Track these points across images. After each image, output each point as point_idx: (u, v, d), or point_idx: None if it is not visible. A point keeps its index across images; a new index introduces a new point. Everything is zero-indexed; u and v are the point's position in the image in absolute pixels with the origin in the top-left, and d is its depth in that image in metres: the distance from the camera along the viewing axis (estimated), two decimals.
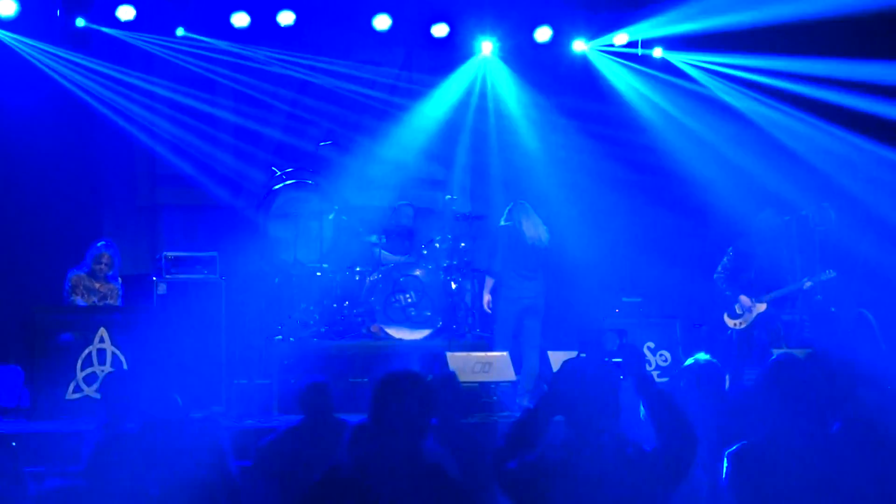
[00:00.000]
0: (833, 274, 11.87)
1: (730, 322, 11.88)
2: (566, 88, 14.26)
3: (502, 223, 11.79)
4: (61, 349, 10.58)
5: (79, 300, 11.37)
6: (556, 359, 10.85)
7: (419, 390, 4.60)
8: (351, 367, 11.78)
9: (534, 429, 4.73)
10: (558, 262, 13.97)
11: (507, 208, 11.85)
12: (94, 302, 11.44)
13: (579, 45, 14.01)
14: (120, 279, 11.71)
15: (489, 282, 11.79)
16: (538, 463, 4.55)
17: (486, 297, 11.83)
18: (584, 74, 14.18)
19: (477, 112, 14.38)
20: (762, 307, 11.71)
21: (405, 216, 13.14)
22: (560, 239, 14.17)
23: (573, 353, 4.98)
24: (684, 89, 14.18)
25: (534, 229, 11.62)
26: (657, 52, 14.04)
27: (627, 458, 4.54)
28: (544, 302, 11.63)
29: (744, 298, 11.73)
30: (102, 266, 11.50)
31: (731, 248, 11.90)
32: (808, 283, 11.71)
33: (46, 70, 12.78)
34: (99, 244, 11.62)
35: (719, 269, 11.87)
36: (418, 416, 4.58)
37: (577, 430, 4.54)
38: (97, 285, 11.53)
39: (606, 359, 4.76)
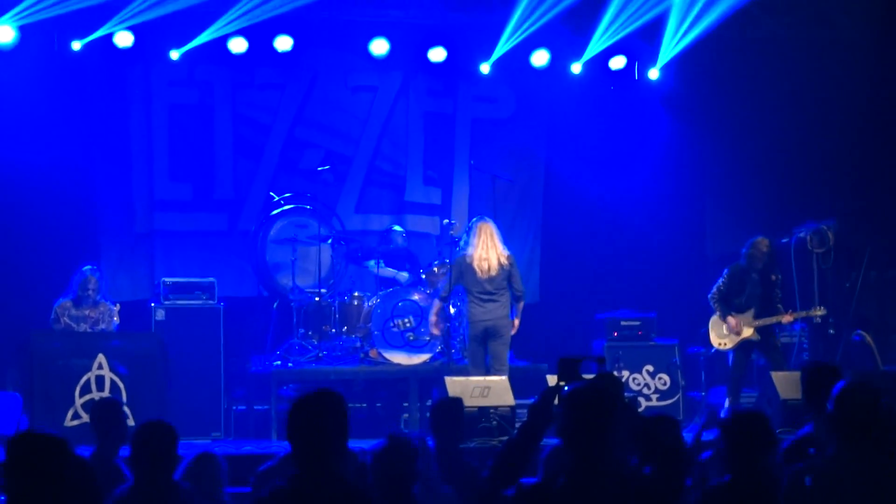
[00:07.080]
0: (822, 311, 11.86)
1: (715, 341, 11.84)
2: (564, 112, 14.26)
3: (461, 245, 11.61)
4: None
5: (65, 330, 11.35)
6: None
7: (333, 409, 4.52)
8: (349, 392, 11.77)
9: (518, 456, 4.71)
10: (556, 282, 13.98)
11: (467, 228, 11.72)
12: (86, 329, 11.40)
13: (577, 69, 13.95)
14: (118, 305, 11.69)
15: (436, 305, 11.71)
16: (539, 489, 4.52)
17: (432, 319, 11.77)
18: (584, 97, 14.16)
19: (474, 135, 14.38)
20: (749, 332, 11.64)
21: (398, 238, 13.13)
22: (558, 259, 14.20)
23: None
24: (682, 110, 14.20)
25: (485, 251, 11.33)
26: (653, 74, 13.99)
27: (626, 480, 4.52)
28: (509, 323, 11.47)
29: (732, 320, 11.68)
30: (90, 291, 11.47)
31: (726, 270, 11.84)
32: (790, 318, 11.67)
33: (44, 96, 12.77)
34: (85, 268, 11.58)
35: (713, 289, 11.82)
36: (335, 437, 4.51)
37: (577, 455, 4.51)
38: (87, 311, 11.49)
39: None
